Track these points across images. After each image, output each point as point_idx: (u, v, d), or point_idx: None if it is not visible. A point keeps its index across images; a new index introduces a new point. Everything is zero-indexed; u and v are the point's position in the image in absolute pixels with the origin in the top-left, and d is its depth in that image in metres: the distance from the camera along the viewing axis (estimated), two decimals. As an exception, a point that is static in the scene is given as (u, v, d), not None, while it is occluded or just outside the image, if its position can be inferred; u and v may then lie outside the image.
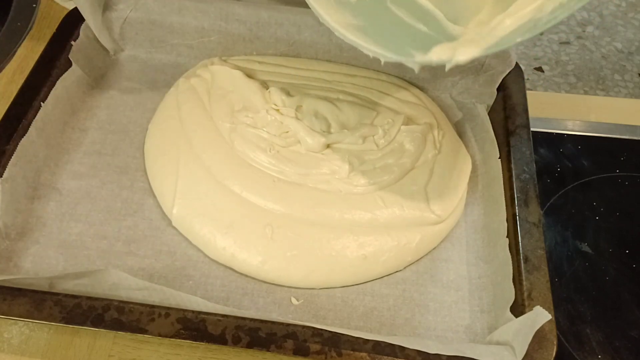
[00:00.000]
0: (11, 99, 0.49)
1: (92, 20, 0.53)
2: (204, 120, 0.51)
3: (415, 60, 0.32)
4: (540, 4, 0.30)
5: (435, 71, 0.55)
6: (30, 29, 0.58)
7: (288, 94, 0.52)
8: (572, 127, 0.59)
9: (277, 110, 0.51)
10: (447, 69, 0.31)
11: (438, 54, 0.31)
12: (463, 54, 0.30)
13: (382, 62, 0.34)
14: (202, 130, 0.51)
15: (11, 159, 0.45)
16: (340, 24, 0.37)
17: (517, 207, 0.45)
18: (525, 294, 0.40)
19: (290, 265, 0.44)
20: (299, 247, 0.45)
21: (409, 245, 0.46)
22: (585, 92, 1.39)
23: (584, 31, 1.52)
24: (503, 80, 0.53)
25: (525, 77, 0.71)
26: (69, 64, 0.52)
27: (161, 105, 0.54)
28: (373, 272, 0.45)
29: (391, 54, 0.34)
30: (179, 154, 0.49)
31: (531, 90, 0.67)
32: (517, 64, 0.53)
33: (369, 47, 0.35)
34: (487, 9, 0.34)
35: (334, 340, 0.38)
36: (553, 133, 0.59)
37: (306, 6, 0.40)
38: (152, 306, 0.38)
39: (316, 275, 0.44)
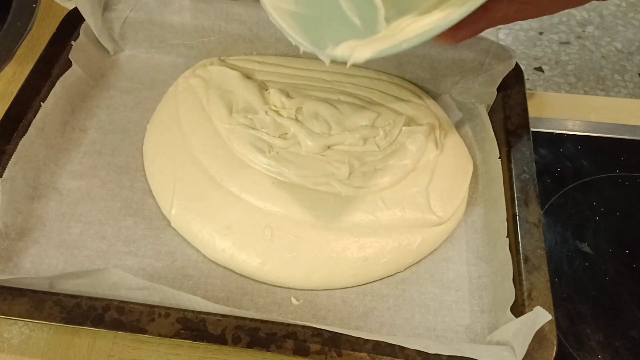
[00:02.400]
0: (11, 99, 0.49)
1: (92, 20, 0.53)
2: (203, 121, 0.51)
3: (325, 53, 0.34)
4: (447, 13, 0.31)
5: (435, 71, 0.55)
6: (30, 29, 0.57)
7: (288, 95, 0.52)
8: (572, 127, 0.59)
9: (276, 111, 0.51)
10: (347, 66, 0.33)
11: (342, 51, 0.33)
12: (360, 53, 0.32)
13: (301, 51, 0.36)
14: (201, 130, 0.51)
15: (11, 159, 0.45)
16: (276, 9, 0.38)
17: (517, 207, 0.45)
18: (525, 294, 0.40)
19: (289, 267, 0.44)
20: (298, 249, 0.45)
21: (410, 246, 0.45)
22: (585, 92, 1.39)
23: (584, 31, 1.52)
24: (503, 80, 0.53)
25: (525, 77, 0.71)
26: (69, 64, 0.52)
27: (160, 105, 0.54)
28: (373, 273, 0.45)
29: (309, 44, 0.35)
30: (177, 154, 0.49)
31: (531, 90, 0.67)
32: (517, 64, 0.53)
33: (292, 35, 0.36)
34: (414, 13, 0.34)
35: (334, 340, 0.38)
36: (553, 133, 0.59)
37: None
38: (152, 306, 0.38)
39: (316, 277, 0.44)
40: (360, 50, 0.32)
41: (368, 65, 0.56)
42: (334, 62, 0.53)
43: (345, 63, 0.33)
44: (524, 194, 0.45)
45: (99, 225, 0.47)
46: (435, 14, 0.31)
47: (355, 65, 0.53)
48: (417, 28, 0.32)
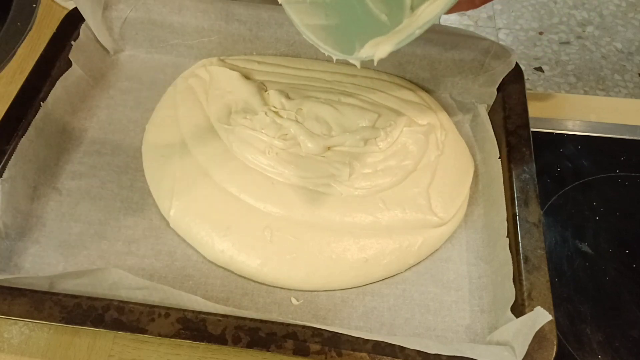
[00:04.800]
0: (11, 99, 0.49)
1: (92, 20, 0.53)
2: (202, 121, 0.51)
3: (353, 56, 0.35)
4: None
5: (435, 71, 0.55)
6: (30, 29, 0.58)
7: (287, 96, 0.52)
8: (572, 127, 0.59)
9: (276, 112, 0.51)
10: (374, 63, 0.33)
11: (366, 51, 0.33)
12: (382, 49, 0.32)
13: (334, 60, 0.37)
14: (200, 131, 0.50)
15: (11, 159, 0.45)
16: (308, 27, 0.39)
17: (517, 207, 0.45)
18: (525, 294, 0.40)
19: (289, 268, 0.44)
20: (298, 250, 0.45)
21: (410, 248, 0.45)
22: (585, 92, 1.39)
23: (584, 31, 1.52)
24: (503, 80, 0.53)
25: (525, 77, 0.71)
26: (69, 64, 0.52)
27: (159, 105, 0.54)
28: (374, 274, 0.45)
29: (339, 52, 0.36)
30: (176, 155, 0.49)
31: (531, 90, 0.67)
32: (517, 64, 0.53)
33: (322, 46, 0.37)
34: None
35: (334, 340, 0.38)
36: (553, 133, 0.59)
37: (306, 6, 0.40)
38: (152, 306, 0.38)
39: (316, 278, 0.44)
40: (382, 46, 0.32)
41: (369, 64, 0.56)
42: (336, 62, 0.53)
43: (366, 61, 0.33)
44: (524, 194, 0.45)
45: (99, 225, 0.47)
46: None
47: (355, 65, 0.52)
48: (430, 11, 0.31)
